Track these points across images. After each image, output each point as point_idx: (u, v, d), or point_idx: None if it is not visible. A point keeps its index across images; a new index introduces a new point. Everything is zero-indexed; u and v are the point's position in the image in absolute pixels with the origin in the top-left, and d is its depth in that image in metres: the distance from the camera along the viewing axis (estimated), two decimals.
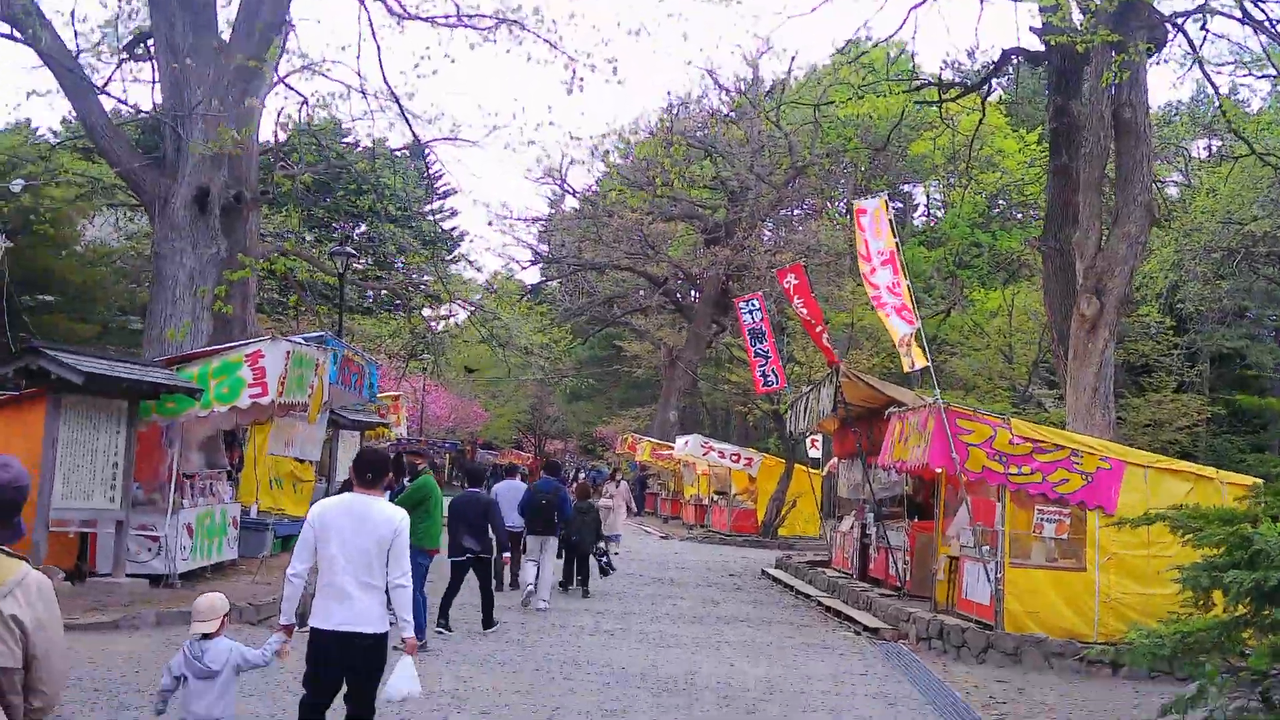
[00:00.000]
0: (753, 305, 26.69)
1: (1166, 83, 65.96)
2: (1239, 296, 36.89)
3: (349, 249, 30.89)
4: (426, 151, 34.84)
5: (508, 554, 17.57)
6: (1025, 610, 13.65)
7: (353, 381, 20.08)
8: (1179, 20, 20.87)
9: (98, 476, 13.58)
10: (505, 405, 64.45)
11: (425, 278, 38.44)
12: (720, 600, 19.01)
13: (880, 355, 34.91)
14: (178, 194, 20.39)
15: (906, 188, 54.67)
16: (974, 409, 15.08)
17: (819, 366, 29.50)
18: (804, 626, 16.31)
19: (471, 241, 79.78)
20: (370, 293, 46.39)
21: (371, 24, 25.39)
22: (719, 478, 36.87)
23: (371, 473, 7.16)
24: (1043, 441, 14.05)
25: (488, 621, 14.26)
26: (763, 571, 23.71)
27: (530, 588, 16.77)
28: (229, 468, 18.40)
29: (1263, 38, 21.29)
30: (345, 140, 38.68)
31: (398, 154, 40.59)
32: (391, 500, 10.23)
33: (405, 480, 14.34)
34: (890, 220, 16.67)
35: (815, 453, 34.04)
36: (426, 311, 43.33)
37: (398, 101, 24.69)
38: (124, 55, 25.61)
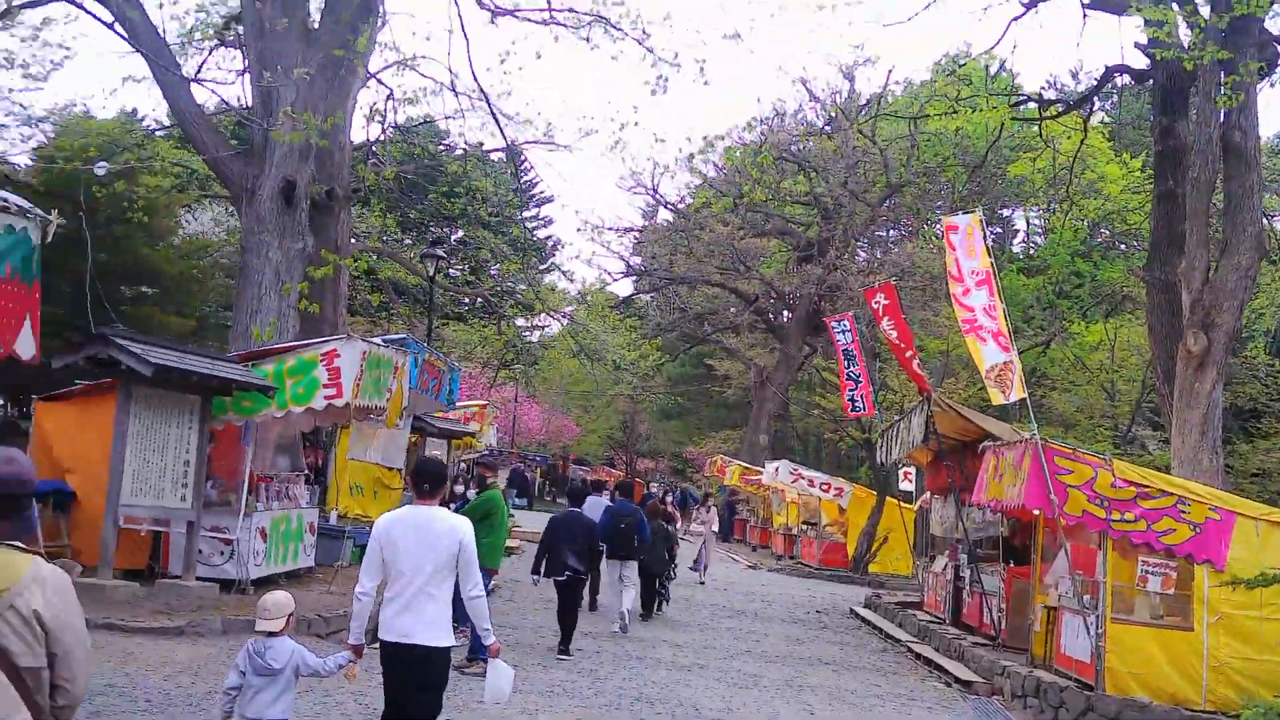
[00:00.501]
0: (844, 325, 25.92)
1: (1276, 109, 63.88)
2: None
3: (439, 251, 30.63)
4: (520, 156, 34.67)
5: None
6: (1128, 670, 12.77)
7: (431, 387, 19.74)
8: None
9: (169, 474, 13.26)
10: (597, 420, 64.19)
11: (518, 286, 38.09)
12: (805, 639, 18.26)
13: (976, 385, 33.78)
14: (264, 186, 20.28)
15: (1006, 212, 53.38)
16: (1074, 448, 14.23)
17: (912, 395, 28.63)
18: (892, 674, 15.51)
19: (565, 248, 79.15)
20: (465, 300, 46.21)
21: (461, 18, 25.01)
22: (808, 507, 35.95)
23: (429, 483, 7.03)
24: (1147, 486, 13.17)
25: (565, 648, 13.89)
26: (851, 610, 22.85)
27: (622, 615, 16.34)
28: (307, 471, 18.00)
29: None
30: (443, 144, 38.55)
31: (492, 158, 40.42)
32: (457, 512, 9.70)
33: (470, 491, 13.94)
34: (985, 238, 15.90)
35: (908, 485, 33.10)
36: (520, 321, 43.17)
37: (487, 99, 24.41)
38: (215, 41, 25.71)
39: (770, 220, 47.51)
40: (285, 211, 20.38)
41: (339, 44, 20.41)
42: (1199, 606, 12.85)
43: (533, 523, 29.80)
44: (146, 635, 11.32)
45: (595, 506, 17.32)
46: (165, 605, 12.60)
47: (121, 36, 20.22)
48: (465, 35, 28.55)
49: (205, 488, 14.45)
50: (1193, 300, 18.19)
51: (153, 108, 47.59)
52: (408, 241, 43.87)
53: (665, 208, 53.17)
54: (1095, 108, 33.82)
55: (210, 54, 27.52)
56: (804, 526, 36.26)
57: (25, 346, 7.62)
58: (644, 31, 23.71)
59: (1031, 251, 52.41)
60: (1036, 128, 29.29)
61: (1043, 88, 47.46)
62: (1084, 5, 22.25)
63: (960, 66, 29.45)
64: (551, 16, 23.35)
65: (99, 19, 20.11)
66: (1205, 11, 18.78)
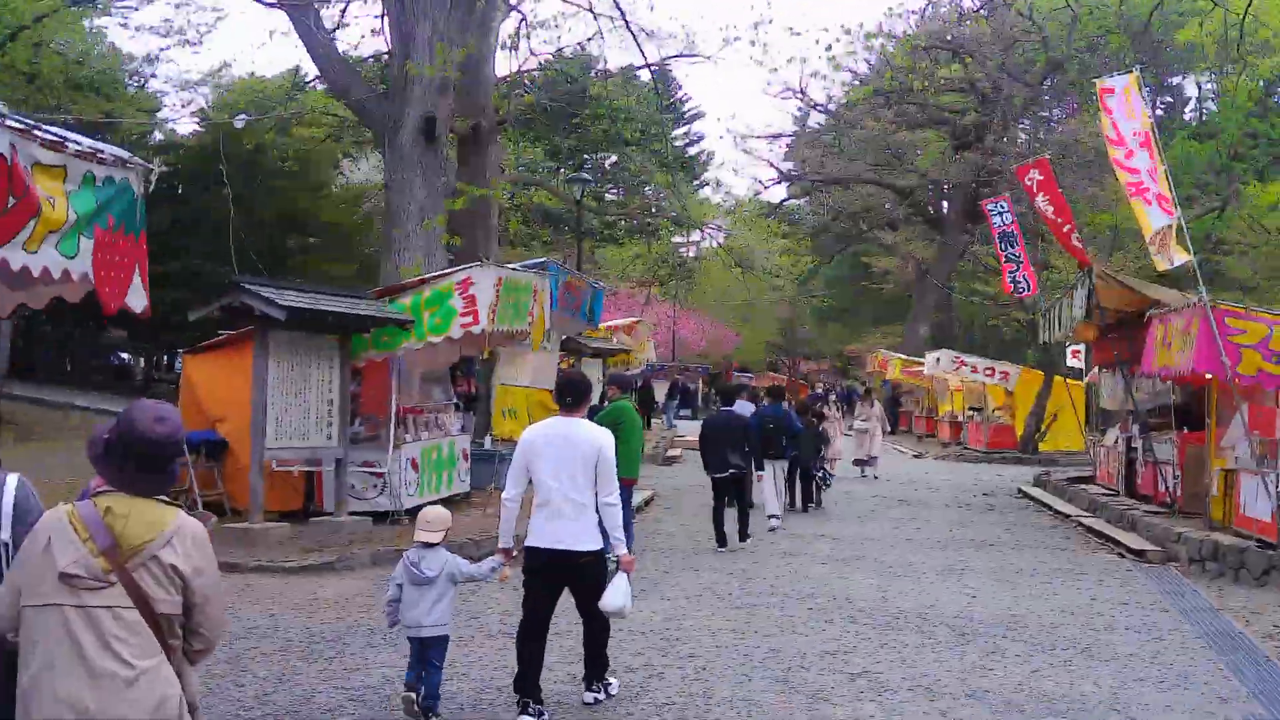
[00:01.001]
0: (1001, 207, 25.04)
1: None
2: None
3: (585, 175, 30.54)
4: (666, 72, 34.13)
5: (761, 472, 16.85)
6: None
7: (572, 305, 19.62)
8: None
9: (313, 414, 13.43)
10: (757, 328, 63.77)
11: (666, 202, 37.77)
12: (970, 523, 17.81)
13: (1146, 257, 32.40)
14: (405, 124, 20.28)
15: (1176, 79, 50.82)
16: (1246, 306, 13.46)
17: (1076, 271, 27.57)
18: (1060, 550, 15.00)
19: (718, 165, 78.23)
20: (620, 221, 46.09)
21: None
22: (974, 393, 35.24)
23: (571, 397, 7.32)
24: None
25: (744, 534, 14.79)
26: (1019, 490, 22.30)
27: (773, 520, 16.42)
28: (456, 400, 18.13)
29: None
30: (594, 72, 38.26)
31: (636, 77, 40.09)
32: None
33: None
34: (1144, 99, 15.05)
35: (1076, 363, 32.11)
36: (676, 239, 42.96)
37: (623, 14, 23.97)
38: None
39: (925, 110, 46.05)
40: (427, 148, 20.44)
41: None
42: None
43: (696, 431, 29.77)
44: (296, 574, 11.49)
45: (744, 410, 17.11)
46: (317, 543, 12.78)
47: None
48: None
49: (354, 424, 14.65)
50: None
51: (299, 61, 48.40)
52: (561, 171, 43.92)
53: (816, 109, 52.00)
54: None
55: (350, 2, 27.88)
56: (970, 412, 35.58)
57: (136, 299, 7.64)
58: None
59: (1203, 119, 49.81)
60: None
61: None
62: None
63: None
64: None
65: None
66: None
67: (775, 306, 58.59)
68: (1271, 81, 39.97)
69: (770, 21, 43.28)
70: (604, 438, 7.18)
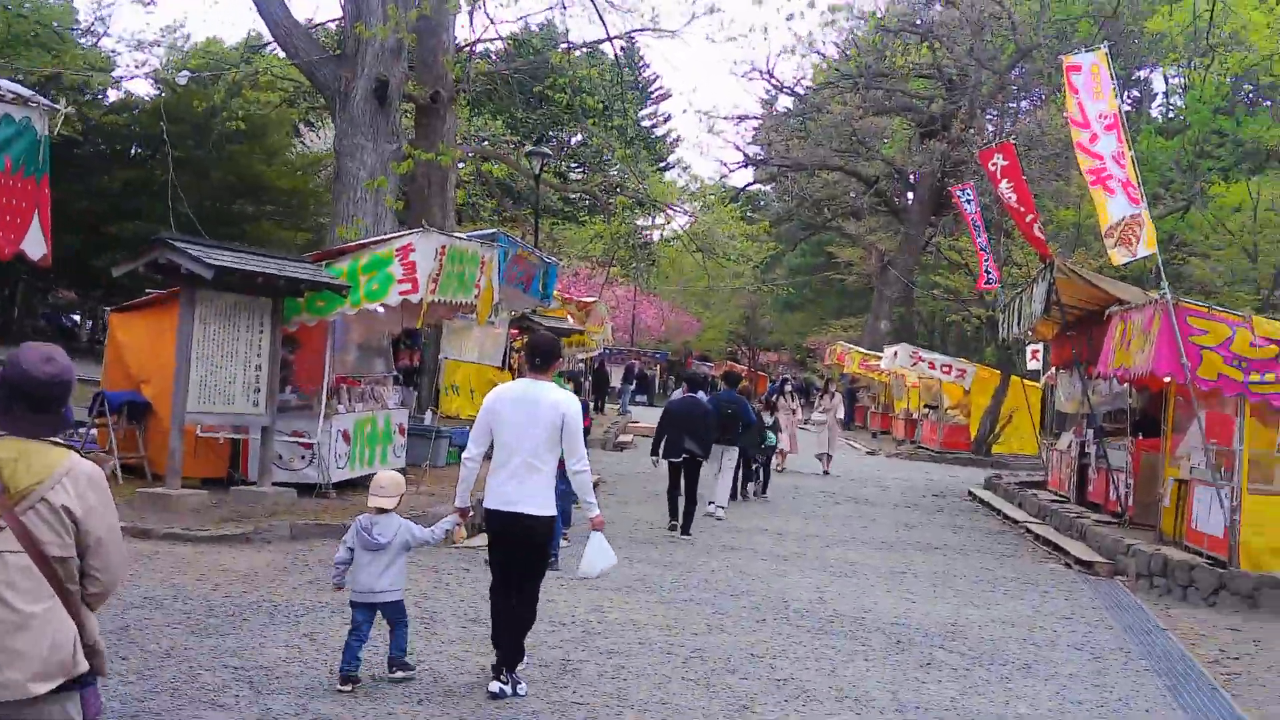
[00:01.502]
0: (968, 195, 24.79)
1: None
2: None
3: (545, 150, 30.01)
4: (634, 49, 33.41)
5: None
6: (1267, 546, 11.73)
7: (520, 278, 19.09)
8: None
9: (239, 380, 12.83)
10: (718, 315, 63.48)
11: (627, 180, 37.21)
12: (917, 524, 17.40)
13: (1108, 256, 32.00)
14: (357, 87, 19.74)
15: (1143, 72, 50.57)
16: (1209, 306, 13.07)
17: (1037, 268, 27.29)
18: (1006, 557, 14.59)
19: (685, 147, 77.64)
20: (583, 199, 45.46)
21: None
22: (930, 390, 34.96)
23: (540, 358, 7.27)
24: None
25: (687, 528, 14.42)
26: (969, 493, 21.94)
27: (712, 505, 16.16)
28: (396, 374, 17.54)
29: None
30: (560, 47, 37.61)
31: (600, 53, 39.49)
32: None
33: None
34: (1113, 78, 14.61)
35: (1036, 364, 31.91)
36: (641, 222, 42.42)
37: None
38: None
39: (891, 97, 45.67)
40: (378, 112, 19.93)
41: None
42: None
43: (652, 419, 29.37)
44: (210, 543, 10.94)
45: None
46: (236, 513, 12.21)
47: None
48: None
49: (285, 392, 14.09)
50: None
51: (254, 23, 47.54)
52: (525, 146, 43.40)
53: (783, 91, 51.55)
54: None
55: None
56: (925, 410, 35.33)
57: (34, 246, 7.11)
58: None
59: (1170, 115, 49.68)
60: None
61: None
62: None
63: None
64: None
65: None
66: None
67: (737, 294, 58.30)
68: (1240, 76, 39.74)
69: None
70: (569, 403, 7.09)
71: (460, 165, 33.51)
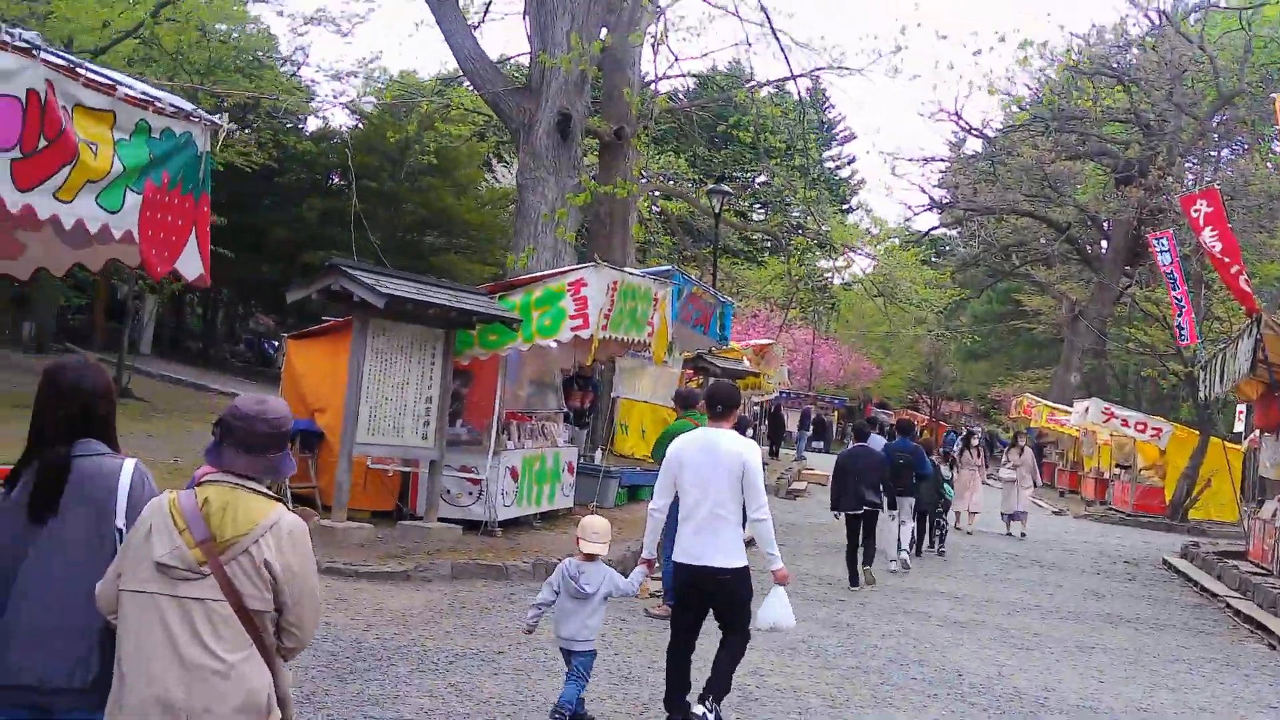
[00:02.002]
0: (1163, 244, 23.63)
1: None
2: None
3: (725, 187, 29.76)
4: (821, 91, 32.87)
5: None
6: None
7: (696, 320, 18.79)
8: None
9: (410, 411, 12.71)
10: (898, 362, 62.28)
11: (808, 221, 36.64)
12: (1106, 593, 16.30)
13: None
14: (540, 120, 19.83)
15: None
16: None
17: (1241, 323, 25.82)
18: (1203, 634, 13.53)
19: (867, 189, 76.70)
20: (764, 239, 45.02)
21: None
22: (1122, 449, 33.33)
23: (722, 405, 7.23)
24: None
25: (869, 572, 14.30)
26: (1163, 561, 20.58)
27: (899, 557, 16.07)
28: (566, 410, 17.28)
29: None
30: (746, 85, 37.39)
31: (784, 91, 39.18)
32: None
33: None
34: None
35: (1242, 425, 30.25)
36: (823, 263, 41.89)
37: (766, 15, 23.01)
38: None
39: (1085, 141, 44.27)
40: (561, 146, 20.01)
41: None
42: None
43: (828, 466, 28.69)
44: (370, 580, 10.74)
45: (876, 445, 16.71)
46: (400, 548, 12.04)
47: None
48: None
49: (455, 426, 13.95)
50: None
51: (448, 56, 48.59)
52: (706, 184, 43.32)
53: (971, 133, 50.45)
54: None
55: None
56: (1117, 470, 33.71)
57: (190, 266, 6.91)
58: None
59: None
60: None
61: None
62: None
63: None
64: None
65: None
66: None
67: (919, 341, 57.12)
68: None
69: (919, 25, 41.80)
70: (749, 450, 7.00)
71: (640, 200, 33.61)
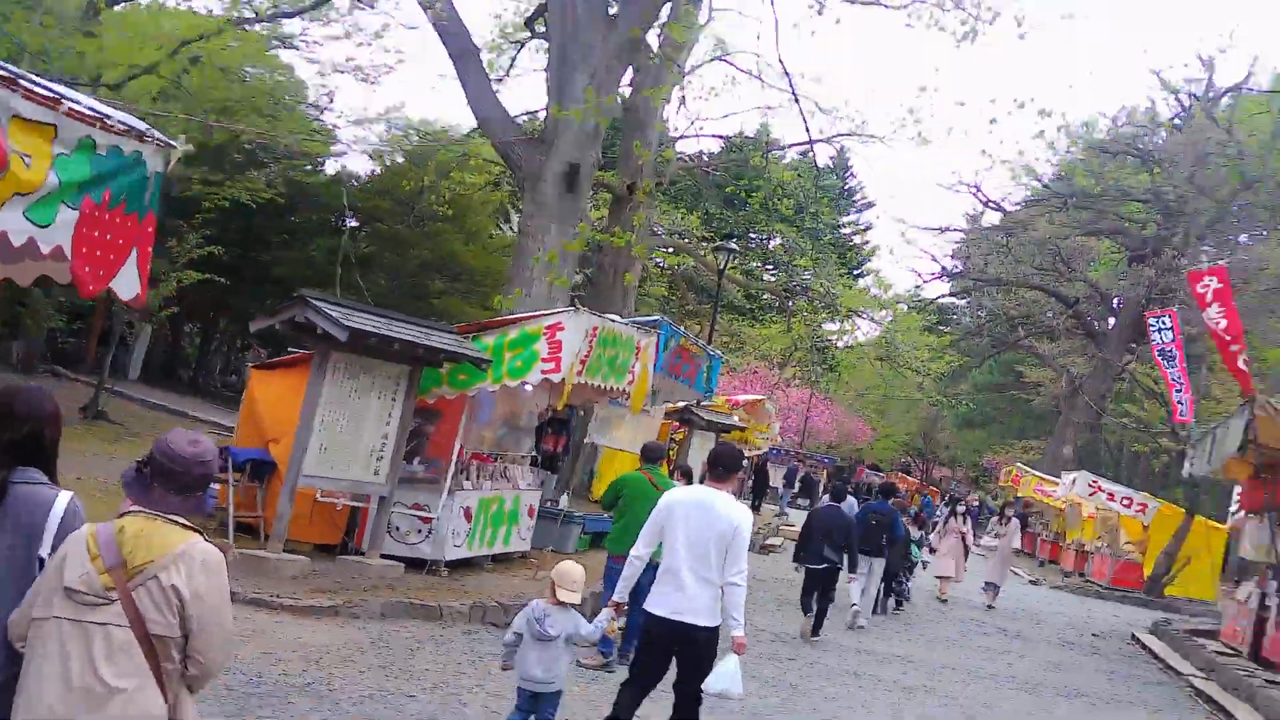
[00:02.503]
0: (1164, 322, 23.67)
1: None
2: None
3: (731, 245, 29.91)
4: (841, 157, 32.89)
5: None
6: None
7: (684, 373, 18.78)
8: None
9: (363, 446, 12.59)
10: (893, 425, 62.21)
11: (809, 278, 36.74)
12: (1068, 666, 16.12)
13: None
14: (548, 170, 20.08)
15: None
16: None
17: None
18: (1159, 713, 13.35)
19: (879, 254, 77.11)
20: (769, 298, 45.12)
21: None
22: (1106, 523, 33.20)
23: (722, 466, 7.28)
24: None
25: (818, 629, 14.56)
26: (1132, 636, 20.44)
27: (855, 608, 16.25)
28: (534, 454, 17.18)
29: None
30: (770, 152, 37.53)
31: (807, 157, 39.35)
32: None
33: None
34: None
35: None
36: (828, 325, 41.96)
37: (788, 77, 23.28)
38: (526, 33, 26.05)
39: (1103, 218, 44.37)
40: (565, 196, 20.31)
41: (637, 24, 20.24)
42: None
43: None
44: (294, 613, 10.48)
45: (850, 505, 17.70)
46: (335, 583, 11.81)
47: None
48: (774, 12, 27.27)
49: (413, 463, 13.91)
50: None
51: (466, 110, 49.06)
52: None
53: (989, 206, 50.62)
54: None
55: (520, 50, 28.00)
56: (1098, 543, 33.56)
57: (126, 285, 6.87)
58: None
59: None
60: None
61: None
62: None
63: None
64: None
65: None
66: None
67: (915, 406, 57.03)
68: None
69: (936, 90, 42.16)
70: (743, 517, 7.07)
71: (652, 259, 33.74)
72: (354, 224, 34.66)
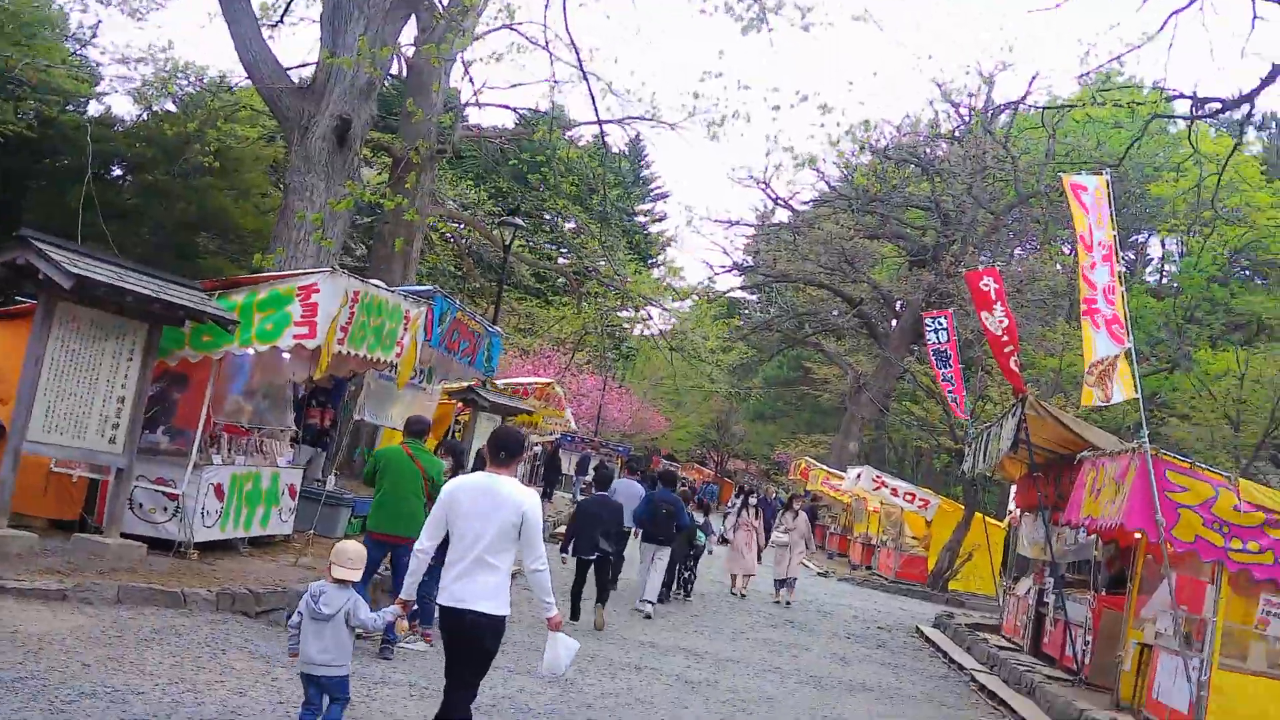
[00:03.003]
0: (940, 323, 23.75)
1: None
2: None
3: (517, 220, 28.95)
4: (636, 144, 32.27)
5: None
6: None
7: (463, 349, 17.78)
8: None
9: (96, 411, 11.23)
10: (688, 417, 62.18)
11: (601, 263, 35.96)
12: (854, 659, 15.77)
13: (1086, 408, 30.27)
14: (318, 123, 18.72)
15: (1140, 237, 49.96)
16: (1191, 461, 11.73)
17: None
18: (944, 707, 13.05)
19: (674, 243, 77.17)
20: (559, 279, 44.20)
21: None
22: (891, 518, 33.55)
23: (505, 451, 6.96)
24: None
25: (603, 600, 14.64)
26: (917, 629, 20.35)
27: (646, 600, 16.40)
28: (295, 429, 15.82)
29: None
30: (568, 134, 36.47)
31: (608, 142, 38.69)
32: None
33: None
34: (1111, 206, 13.49)
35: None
36: (623, 312, 41.32)
37: (575, 50, 22.07)
38: None
39: (886, 223, 45.18)
40: (336, 152, 18.98)
41: None
42: None
43: None
44: (16, 597, 9.14)
45: (629, 490, 17.82)
46: (67, 564, 10.50)
47: None
48: None
49: (155, 432, 12.58)
50: None
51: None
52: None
53: (778, 204, 50.82)
54: (1252, 118, 30.37)
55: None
56: (884, 537, 33.88)
57: None
58: None
59: (1164, 281, 49.17)
60: (1183, 143, 26.47)
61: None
62: None
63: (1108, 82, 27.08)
64: None
65: None
66: None
67: (710, 398, 57.03)
68: (1238, 250, 39.24)
69: (719, 75, 41.94)
70: (530, 499, 6.79)
71: (436, 229, 32.56)
72: (118, 172, 32.45)
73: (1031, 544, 18.48)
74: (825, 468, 39.86)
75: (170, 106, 32.60)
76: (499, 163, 41.47)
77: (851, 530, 39.27)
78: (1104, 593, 14.48)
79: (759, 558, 22.36)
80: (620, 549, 15.23)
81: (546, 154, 31.30)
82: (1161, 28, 18.05)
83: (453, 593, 6.67)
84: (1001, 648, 17.09)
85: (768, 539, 22.89)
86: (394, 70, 30.14)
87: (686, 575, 19.31)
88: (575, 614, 14.29)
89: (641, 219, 64.81)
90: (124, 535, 11.62)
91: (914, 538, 32.22)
